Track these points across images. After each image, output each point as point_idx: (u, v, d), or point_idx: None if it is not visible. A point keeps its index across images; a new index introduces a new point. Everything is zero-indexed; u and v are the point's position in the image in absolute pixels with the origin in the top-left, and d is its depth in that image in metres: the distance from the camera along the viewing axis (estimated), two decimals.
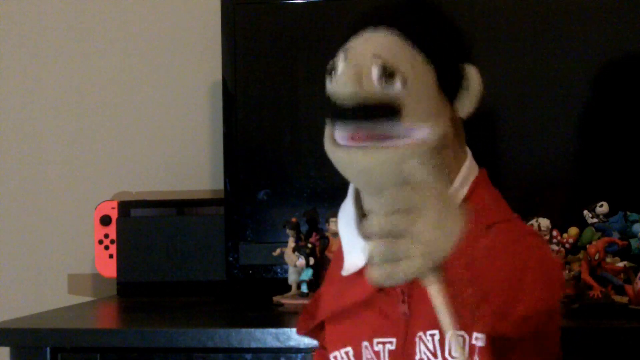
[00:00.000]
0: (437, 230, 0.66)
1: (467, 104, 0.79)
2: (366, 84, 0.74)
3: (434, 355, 0.75)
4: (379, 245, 0.67)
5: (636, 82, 1.37)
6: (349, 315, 0.80)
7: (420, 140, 0.75)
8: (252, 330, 1.09)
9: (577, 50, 1.39)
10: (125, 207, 1.60)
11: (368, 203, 0.79)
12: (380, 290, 0.77)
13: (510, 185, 1.41)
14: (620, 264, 1.16)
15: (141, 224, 1.58)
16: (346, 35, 0.79)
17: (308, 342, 1.05)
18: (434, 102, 0.76)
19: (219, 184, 1.60)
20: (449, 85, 0.78)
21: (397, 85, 0.74)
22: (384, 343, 0.77)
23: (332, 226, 1.26)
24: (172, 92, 1.71)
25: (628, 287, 1.14)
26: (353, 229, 0.79)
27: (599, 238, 1.18)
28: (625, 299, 1.14)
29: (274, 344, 1.07)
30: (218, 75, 1.54)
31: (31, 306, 1.64)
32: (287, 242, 1.31)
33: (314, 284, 1.26)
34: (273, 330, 1.08)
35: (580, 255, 1.18)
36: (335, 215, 1.23)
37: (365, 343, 0.78)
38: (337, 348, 0.81)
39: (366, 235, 0.70)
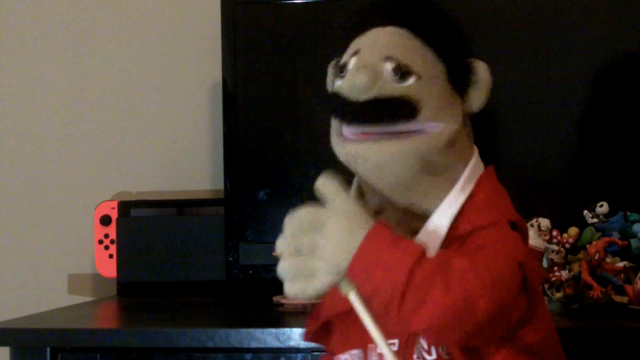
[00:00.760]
0: (339, 246, 0.69)
1: (477, 99, 0.79)
2: (382, 81, 0.74)
3: (429, 353, 0.75)
4: (285, 265, 0.71)
5: (636, 83, 1.37)
6: (355, 317, 0.80)
7: (436, 134, 0.75)
8: (252, 330, 1.09)
9: (577, 51, 1.39)
10: (125, 207, 1.60)
11: (370, 202, 0.80)
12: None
13: (510, 185, 1.41)
14: (620, 264, 1.16)
15: (141, 224, 1.58)
16: (350, 32, 0.80)
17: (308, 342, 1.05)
18: (446, 98, 0.77)
19: (219, 184, 1.60)
20: (459, 81, 0.78)
21: (412, 81, 0.75)
22: (388, 346, 0.76)
23: None
24: (172, 92, 1.71)
25: (628, 287, 1.15)
26: None
27: (599, 238, 1.18)
28: (625, 299, 1.14)
29: (274, 344, 1.07)
30: (218, 75, 1.54)
31: (31, 306, 1.64)
32: None
33: None
34: (273, 330, 1.08)
35: (580, 255, 1.18)
36: None
37: (372, 345, 0.78)
38: (346, 350, 0.81)
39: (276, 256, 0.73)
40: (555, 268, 1.17)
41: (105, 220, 1.59)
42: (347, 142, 0.77)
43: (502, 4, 1.43)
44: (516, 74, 1.41)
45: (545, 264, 1.16)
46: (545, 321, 0.80)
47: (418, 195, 0.77)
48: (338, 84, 0.78)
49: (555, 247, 1.17)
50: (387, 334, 0.74)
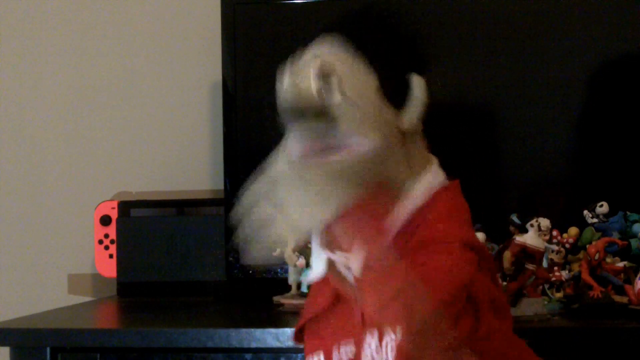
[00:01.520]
0: (303, 212, 0.72)
1: (410, 115, 0.78)
2: (305, 90, 0.74)
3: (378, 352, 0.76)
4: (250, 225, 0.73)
5: (636, 83, 1.37)
6: (320, 320, 0.83)
7: (358, 151, 0.74)
8: (252, 330, 1.09)
9: (578, 51, 1.39)
10: (125, 207, 1.60)
11: None
12: (340, 297, 0.79)
13: (510, 185, 1.41)
14: (620, 264, 1.16)
15: (141, 224, 1.58)
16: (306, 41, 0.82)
17: None
18: (373, 110, 0.76)
19: (219, 184, 1.60)
20: (395, 95, 0.77)
21: (335, 92, 0.74)
22: (345, 348, 0.79)
23: None
24: (172, 93, 1.71)
25: (628, 287, 1.14)
26: (316, 239, 0.80)
27: (599, 238, 1.18)
28: (625, 299, 1.14)
29: (274, 344, 1.07)
30: (218, 75, 1.54)
31: (31, 306, 1.64)
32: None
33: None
34: (273, 330, 1.08)
35: (580, 255, 1.18)
36: None
37: (335, 347, 0.80)
38: (312, 351, 0.83)
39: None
40: (555, 268, 1.17)
41: (105, 220, 1.59)
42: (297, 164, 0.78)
43: (502, 4, 1.42)
44: (516, 74, 1.41)
45: (545, 264, 1.16)
46: (503, 337, 0.79)
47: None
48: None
49: (555, 247, 1.17)
50: (348, 338, 0.77)
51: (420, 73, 0.79)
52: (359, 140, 0.74)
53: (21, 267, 1.74)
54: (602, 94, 1.38)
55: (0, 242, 1.75)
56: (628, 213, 1.22)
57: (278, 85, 0.78)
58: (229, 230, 1.47)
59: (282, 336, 1.07)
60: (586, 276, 1.13)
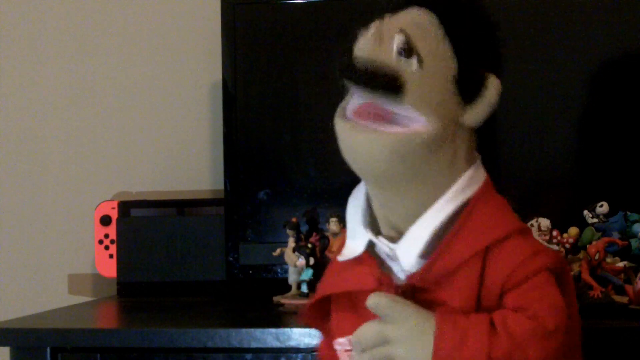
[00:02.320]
0: (413, 349, 0.70)
1: (476, 113, 0.77)
2: (382, 53, 0.72)
3: None
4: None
5: (636, 83, 1.37)
6: (352, 303, 0.80)
7: (414, 131, 0.73)
8: (252, 330, 1.09)
9: (578, 51, 1.39)
10: (125, 207, 1.60)
11: (371, 194, 0.79)
12: (380, 284, 0.76)
13: (510, 185, 1.41)
14: (620, 264, 1.16)
15: (141, 224, 1.58)
16: (378, 13, 0.78)
17: (308, 342, 1.05)
18: (442, 97, 0.74)
19: (219, 184, 1.60)
20: (467, 88, 0.76)
21: (413, 64, 0.73)
22: None
23: (332, 226, 1.25)
24: (172, 92, 1.71)
25: (628, 287, 1.14)
26: (359, 217, 0.79)
27: (599, 238, 1.18)
28: (625, 299, 1.14)
29: (274, 344, 1.07)
30: (218, 75, 1.54)
31: (31, 306, 1.64)
32: (287, 242, 1.30)
33: (314, 284, 1.26)
34: (273, 330, 1.08)
35: (580, 255, 1.18)
36: (335, 215, 1.23)
37: None
38: (343, 334, 0.80)
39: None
40: None
41: (105, 220, 1.59)
42: (340, 119, 0.75)
43: (503, 4, 1.42)
44: (516, 74, 1.41)
45: None
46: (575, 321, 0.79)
47: (408, 197, 0.75)
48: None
49: (555, 247, 1.17)
50: None
51: (496, 74, 0.79)
52: (419, 119, 0.73)
53: (21, 267, 1.74)
54: (602, 94, 1.38)
55: (0, 242, 1.75)
56: (628, 213, 1.22)
57: (357, 41, 0.75)
58: (229, 230, 1.48)
59: (282, 336, 1.07)
60: (586, 276, 1.13)
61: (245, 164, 1.48)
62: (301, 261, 1.27)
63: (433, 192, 0.75)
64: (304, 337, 1.05)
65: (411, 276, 0.75)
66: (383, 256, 0.78)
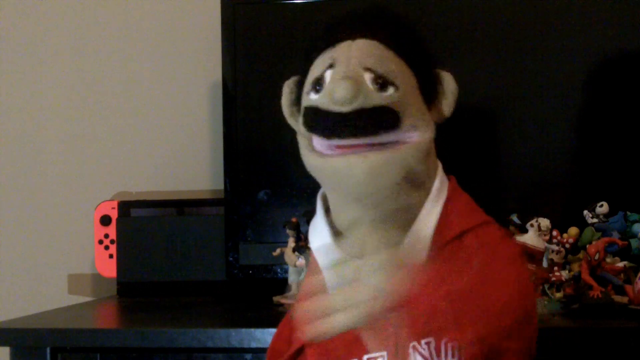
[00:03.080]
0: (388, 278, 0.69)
1: (445, 108, 0.80)
2: (365, 91, 0.73)
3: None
4: (336, 295, 0.69)
5: (636, 82, 1.37)
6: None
7: (417, 143, 0.75)
8: (252, 330, 1.09)
9: (578, 50, 1.39)
10: (125, 207, 1.60)
11: (341, 218, 0.78)
12: None
13: (510, 185, 1.41)
14: (620, 264, 1.16)
15: (141, 224, 1.58)
16: (315, 47, 0.79)
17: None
18: (420, 108, 0.77)
19: (219, 184, 1.60)
20: (428, 90, 0.78)
21: (390, 89, 0.74)
22: (375, 358, 0.75)
23: None
24: (172, 92, 1.71)
25: (628, 287, 1.14)
26: (331, 247, 0.78)
27: (599, 238, 1.18)
28: (625, 299, 1.14)
29: None
30: (218, 75, 1.54)
31: (31, 306, 1.64)
32: (287, 242, 1.31)
33: None
34: (273, 330, 1.06)
35: (580, 255, 1.18)
36: None
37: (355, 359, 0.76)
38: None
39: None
40: (555, 268, 1.17)
41: (105, 220, 1.59)
42: (326, 156, 0.75)
43: (502, 4, 1.42)
44: (516, 74, 1.41)
45: (545, 264, 1.16)
46: None
47: (399, 206, 0.76)
48: (313, 98, 0.76)
49: (555, 247, 1.17)
50: (377, 348, 0.74)
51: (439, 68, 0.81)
52: (416, 134, 0.75)
53: (21, 267, 1.74)
54: (602, 94, 1.38)
55: (0, 242, 1.75)
56: (628, 213, 1.22)
57: (325, 88, 0.75)
58: (229, 230, 1.48)
59: None
60: (586, 276, 1.13)
61: (245, 164, 1.48)
62: (301, 261, 1.27)
63: (424, 193, 0.78)
64: None
65: None
66: (370, 277, 0.77)
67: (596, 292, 1.12)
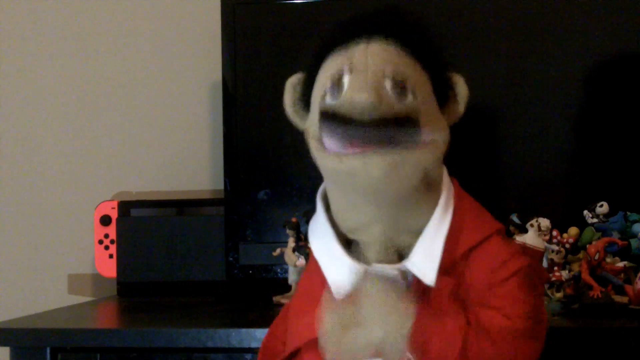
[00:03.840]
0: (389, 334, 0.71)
1: (457, 111, 0.79)
2: (386, 100, 0.72)
3: None
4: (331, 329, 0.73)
5: (636, 82, 1.37)
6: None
7: (435, 145, 0.74)
8: (252, 330, 1.09)
9: (578, 51, 1.39)
10: (125, 207, 1.60)
11: (349, 218, 0.77)
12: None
13: (510, 185, 1.41)
14: (620, 264, 1.16)
15: (141, 224, 1.58)
16: (328, 46, 0.77)
17: None
18: (435, 111, 0.77)
19: (219, 184, 1.60)
20: (442, 93, 0.78)
21: (410, 96, 0.73)
22: None
23: None
24: (172, 92, 1.71)
25: (628, 287, 1.14)
26: (333, 247, 0.77)
27: (599, 238, 1.18)
28: (625, 299, 1.14)
29: None
30: (218, 75, 1.54)
31: (31, 306, 1.64)
32: (287, 242, 1.31)
33: None
34: None
35: (580, 255, 1.18)
36: None
37: None
38: None
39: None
40: (555, 268, 1.17)
41: (105, 220, 1.59)
42: (342, 155, 0.73)
43: (502, 4, 1.42)
44: (516, 74, 1.41)
45: (545, 264, 1.16)
46: None
47: (411, 211, 0.75)
48: (330, 103, 0.74)
49: (555, 247, 1.17)
50: (376, 354, 0.73)
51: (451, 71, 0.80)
52: (436, 137, 0.74)
53: (21, 267, 1.74)
54: (602, 94, 1.38)
55: (0, 242, 1.75)
56: (628, 213, 1.22)
57: (343, 91, 0.74)
58: (229, 230, 1.48)
59: None
60: (586, 276, 1.13)
61: (245, 164, 1.48)
62: (301, 261, 1.27)
63: (434, 198, 0.76)
64: None
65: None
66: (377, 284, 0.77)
67: (596, 292, 1.11)
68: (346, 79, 0.74)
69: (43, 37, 1.76)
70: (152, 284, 1.55)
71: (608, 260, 1.16)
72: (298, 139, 1.53)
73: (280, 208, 1.46)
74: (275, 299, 1.30)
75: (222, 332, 1.10)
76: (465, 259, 0.76)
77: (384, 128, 0.71)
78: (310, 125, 0.79)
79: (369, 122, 0.71)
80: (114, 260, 1.58)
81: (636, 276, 1.15)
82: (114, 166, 1.72)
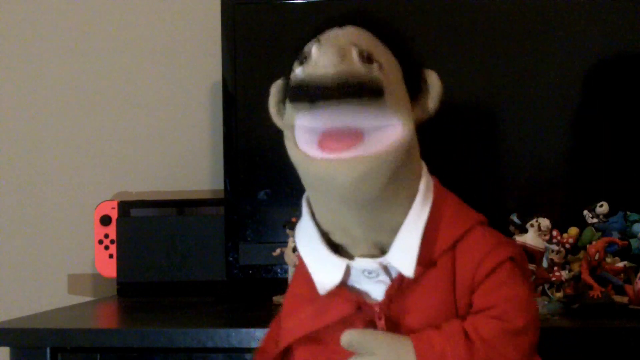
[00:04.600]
0: None
1: (429, 106, 0.78)
2: (348, 62, 0.72)
3: None
4: None
5: (636, 82, 1.37)
6: (323, 335, 0.78)
7: (399, 135, 0.73)
8: (252, 330, 1.09)
9: (577, 51, 1.39)
10: (125, 207, 1.60)
11: (326, 220, 0.78)
12: (358, 308, 0.76)
13: (510, 185, 1.41)
14: (620, 264, 1.16)
15: (141, 224, 1.58)
16: (304, 44, 0.78)
17: None
18: (404, 98, 0.76)
19: (219, 184, 1.60)
20: (412, 87, 0.77)
21: (375, 65, 0.73)
22: None
23: None
24: (172, 93, 1.71)
25: (628, 287, 1.14)
26: (318, 247, 0.77)
27: (599, 238, 1.18)
28: (625, 299, 1.14)
29: None
30: (218, 75, 1.54)
31: (31, 306, 1.64)
32: (287, 242, 1.31)
33: None
34: None
35: (580, 255, 1.18)
36: None
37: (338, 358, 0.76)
38: None
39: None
40: (555, 268, 1.17)
41: (105, 220, 1.59)
42: (310, 159, 0.74)
43: (502, 4, 1.42)
44: (516, 74, 1.41)
45: (545, 264, 1.16)
46: None
47: (389, 209, 0.75)
48: (298, 72, 0.75)
49: (555, 247, 1.17)
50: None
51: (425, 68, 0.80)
52: (397, 122, 0.73)
53: (21, 267, 1.74)
54: (602, 94, 1.38)
55: (0, 242, 1.75)
56: (628, 213, 1.22)
57: (309, 62, 0.74)
58: (229, 230, 1.48)
59: None
60: (586, 276, 1.13)
61: (245, 164, 1.48)
62: None
63: (410, 194, 0.76)
64: None
65: (390, 287, 0.75)
66: (356, 279, 0.77)
67: (596, 292, 1.11)
68: (314, 49, 0.74)
69: (43, 37, 1.76)
70: (152, 284, 1.55)
71: (608, 260, 1.16)
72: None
73: (280, 208, 1.46)
74: (275, 299, 1.30)
75: (222, 332, 1.10)
76: (452, 252, 0.76)
77: (348, 97, 0.70)
78: (286, 121, 0.79)
79: (332, 74, 0.70)
80: (114, 260, 1.58)
81: (636, 276, 1.15)
82: (114, 166, 1.72)
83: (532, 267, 1.08)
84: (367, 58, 0.73)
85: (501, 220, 1.15)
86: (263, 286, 1.42)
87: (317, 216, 0.79)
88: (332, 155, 0.72)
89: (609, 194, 1.24)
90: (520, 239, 1.11)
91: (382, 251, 0.76)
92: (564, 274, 1.17)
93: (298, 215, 1.35)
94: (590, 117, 1.39)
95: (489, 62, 1.42)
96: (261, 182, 1.47)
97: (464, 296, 0.76)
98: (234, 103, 1.49)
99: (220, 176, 1.55)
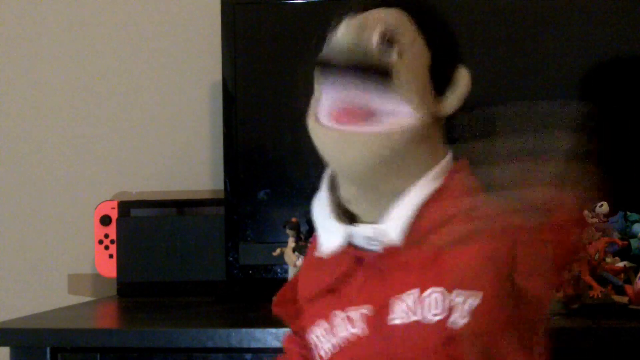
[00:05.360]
0: None
1: (452, 102, 0.79)
2: (366, 42, 0.74)
3: (413, 312, 0.72)
4: None
5: (636, 82, 1.37)
6: (326, 293, 0.79)
7: (402, 123, 0.74)
8: (252, 330, 1.09)
9: (577, 49, 1.39)
10: (125, 207, 1.60)
11: (345, 191, 0.79)
12: (357, 262, 0.77)
13: None
14: (620, 264, 1.16)
15: (141, 224, 1.58)
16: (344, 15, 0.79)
17: None
18: (422, 86, 0.76)
19: (219, 184, 1.60)
20: (439, 79, 0.78)
21: (394, 54, 0.74)
22: (357, 310, 0.75)
23: None
24: (172, 93, 1.71)
25: (628, 287, 1.14)
26: (326, 212, 0.79)
27: (599, 238, 1.18)
28: (625, 299, 1.14)
29: (274, 344, 1.07)
30: (218, 75, 1.54)
31: (31, 306, 1.64)
32: (287, 242, 1.31)
33: None
34: (273, 330, 1.08)
35: (580, 255, 1.18)
36: None
37: (337, 312, 0.77)
38: (313, 324, 0.80)
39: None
40: None
41: (105, 220, 1.59)
42: (319, 126, 0.76)
43: (501, 3, 1.43)
44: (515, 73, 1.41)
45: None
46: None
47: (387, 190, 0.76)
48: (324, 51, 0.77)
49: None
50: (362, 302, 0.74)
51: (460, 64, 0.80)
52: (404, 108, 0.74)
53: (21, 267, 1.74)
54: (602, 94, 1.38)
55: (1, 242, 1.75)
56: (628, 213, 1.22)
57: (334, 34, 0.76)
58: (229, 230, 1.48)
59: (282, 336, 1.07)
60: (586, 276, 1.13)
61: (245, 164, 1.48)
62: (300, 261, 1.27)
63: (415, 176, 0.76)
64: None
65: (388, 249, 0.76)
66: (362, 247, 0.77)
67: (596, 292, 1.11)
68: (341, 24, 0.76)
69: (43, 37, 1.76)
70: (152, 284, 1.55)
71: (608, 260, 1.16)
72: (298, 139, 1.53)
73: (280, 208, 1.46)
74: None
75: (222, 332, 1.10)
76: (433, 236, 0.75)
77: (354, 74, 0.72)
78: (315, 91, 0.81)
79: (341, 61, 0.73)
80: (114, 260, 1.58)
81: (636, 276, 1.15)
82: (114, 166, 1.72)
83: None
84: (388, 40, 0.74)
85: None
86: (263, 286, 1.42)
87: (340, 188, 0.80)
88: (340, 127, 0.74)
89: (609, 194, 1.24)
90: None
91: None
92: (564, 274, 1.16)
93: (298, 215, 1.35)
94: (590, 117, 1.39)
95: (488, 60, 1.42)
96: (261, 182, 1.47)
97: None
98: (234, 103, 1.49)
99: (220, 176, 1.55)
